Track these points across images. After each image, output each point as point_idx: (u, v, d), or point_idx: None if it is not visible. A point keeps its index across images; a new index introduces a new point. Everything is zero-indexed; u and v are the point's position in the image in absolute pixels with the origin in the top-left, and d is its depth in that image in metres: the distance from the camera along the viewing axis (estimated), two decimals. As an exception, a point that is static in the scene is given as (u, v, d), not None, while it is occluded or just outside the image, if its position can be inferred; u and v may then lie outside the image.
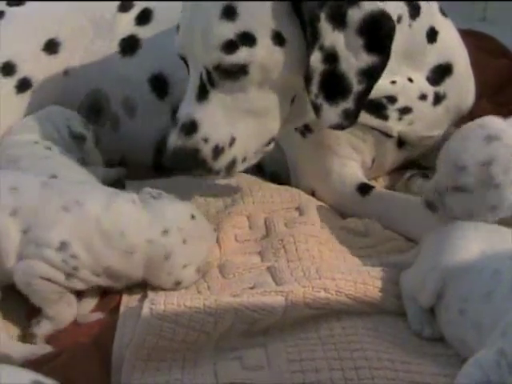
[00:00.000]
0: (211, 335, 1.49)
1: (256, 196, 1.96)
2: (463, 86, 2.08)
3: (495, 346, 1.28)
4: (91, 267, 1.61)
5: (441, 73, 2.00)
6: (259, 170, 2.10)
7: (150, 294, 1.60)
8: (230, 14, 1.69)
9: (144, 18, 2.23)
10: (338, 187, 1.97)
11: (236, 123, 1.75)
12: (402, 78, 1.92)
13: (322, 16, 1.66)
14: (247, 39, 1.69)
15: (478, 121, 1.66)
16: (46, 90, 2.18)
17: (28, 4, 2.24)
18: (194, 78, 1.77)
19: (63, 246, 1.59)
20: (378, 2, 1.69)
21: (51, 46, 2.19)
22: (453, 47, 2.04)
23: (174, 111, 2.07)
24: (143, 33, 2.21)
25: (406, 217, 1.87)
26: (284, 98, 1.78)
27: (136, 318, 1.53)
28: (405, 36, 1.83)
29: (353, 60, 1.68)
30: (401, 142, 2.05)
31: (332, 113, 1.72)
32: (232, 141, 1.75)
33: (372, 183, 2.02)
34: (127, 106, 2.22)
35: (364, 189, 1.96)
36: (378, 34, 1.68)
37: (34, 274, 1.59)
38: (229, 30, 1.68)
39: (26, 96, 2.16)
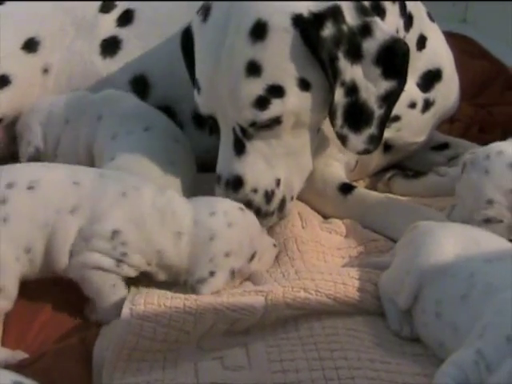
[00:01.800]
0: (192, 335, 1.50)
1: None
2: (450, 90, 2.12)
3: (473, 346, 1.29)
4: (143, 252, 1.62)
5: (430, 79, 2.04)
6: None
7: (130, 295, 1.60)
8: (254, 70, 1.71)
9: (126, 18, 2.23)
10: (320, 186, 1.98)
11: (277, 166, 1.79)
12: None
13: (340, 55, 1.70)
14: (276, 91, 1.72)
15: (493, 149, 1.67)
16: (24, 87, 2.18)
17: (8, 4, 2.24)
18: (226, 133, 1.79)
19: (115, 235, 1.60)
20: (390, 30, 1.73)
21: (30, 45, 2.19)
22: (440, 52, 2.08)
23: None
24: (125, 34, 2.21)
25: (387, 217, 1.88)
26: (314, 134, 1.83)
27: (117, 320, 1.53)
28: None
29: (372, 88, 1.73)
30: (386, 147, 2.07)
31: (357, 140, 1.77)
32: (278, 182, 1.80)
33: (354, 184, 2.03)
34: None
35: (346, 188, 1.97)
36: (393, 61, 1.73)
37: (88, 265, 1.60)
38: (257, 87, 1.71)
39: (5, 92, 2.15)
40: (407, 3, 1.92)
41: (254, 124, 1.74)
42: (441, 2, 2.10)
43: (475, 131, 2.45)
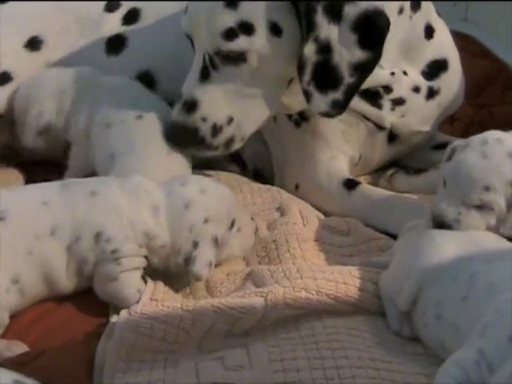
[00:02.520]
0: (191, 334, 1.49)
1: (237, 198, 1.95)
2: (456, 84, 2.12)
3: (474, 346, 1.28)
4: (131, 238, 1.62)
5: (437, 68, 2.05)
6: (242, 166, 2.14)
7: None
8: (232, 2, 1.77)
9: (131, 17, 2.24)
10: (324, 181, 1.99)
11: (234, 105, 1.84)
12: (398, 70, 1.97)
13: (319, 9, 1.73)
14: (246, 28, 1.77)
15: (491, 135, 1.64)
16: None
17: (12, 3, 2.24)
18: (198, 58, 1.86)
19: (97, 238, 1.61)
20: (375, 2, 1.74)
21: (33, 43, 2.20)
22: (448, 46, 2.10)
23: None
24: (130, 31, 2.22)
25: (392, 214, 1.89)
26: (280, 83, 1.86)
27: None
28: (405, 27, 1.91)
29: (345, 53, 1.75)
30: (391, 137, 2.08)
31: (321, 101, 1.79)
32: (230, 120, 1.85)
33: (358, 179, 2.03)
34: None
35: (350, 184, 1.97)
36: (371, 32, 1.75)
37: (106, 279, 1.62)
38: (230, 19, 1.77)
39: (6, 89, 2.15)
40: None
41: (218, 53, 1.80)
42: (442, 1, 2.11)
43: (476, 131, 2.44)
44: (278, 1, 1.76)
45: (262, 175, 2.13)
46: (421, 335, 1.49)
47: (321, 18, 1.73)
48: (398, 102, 2.01)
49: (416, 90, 2.02)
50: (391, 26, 1.79)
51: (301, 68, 1.77)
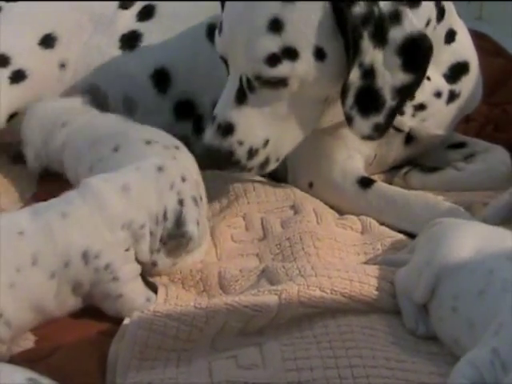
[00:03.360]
0: (204, 332, 1.49)
1: (250, 196, 1.97)
2: (475, 86, 2.12)
3: (488, 345, 1.28)
4: (118, 244, 1.61)
5: (458, 71, 2.05)
6: None
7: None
8: (276, 27, 1.73)
9: (146, 13, 2.24)
10: (339, 179, 1.99)
11: (271, 127, 1.81)
12: None
13: (365, 34, 1.71)
14: (290, 54, 1.74)
15: None
16: (41, 82, 2.19)
17: (25, 1, 2.25)
18: (233, 79, 1.81)
19: (85, 256, 1.58)
20: (418, 25, 1.74)
21: (47, 41, 2.21)
22: (468, 47, 2.09)
23: (177, 107, 2.08)
24: (145, 28, 2.22)
25: (409, 211, 1.89)
26: (318, 105, 1.84)
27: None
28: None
29: (389, 77, 1.74)
30: (408, 138, 2.08)
31: (364, 125, 1.78)
32: (266, 143, 1.82)
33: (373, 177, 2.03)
34: (127, 102, 2.22)
35: (365, 182, 1.97)
36: (415, 55, 1.74)
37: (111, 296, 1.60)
38: (273, 44, 1.73)
39: (21, 87, 2.17)
40: None
41: (259, 78, 1.76)
42: (456, 0, 2.10)
43: (490, 130, 2.43)
44: (325, 24, 1.73)
45: (277, 174, 2.13)
46: (436, 330, 1.48)
47: (366, 44, 1.71)
48: (420, 107, 2.01)
49: (438, 95, 2.02)
50: None
51: (344, 92, 1.75)
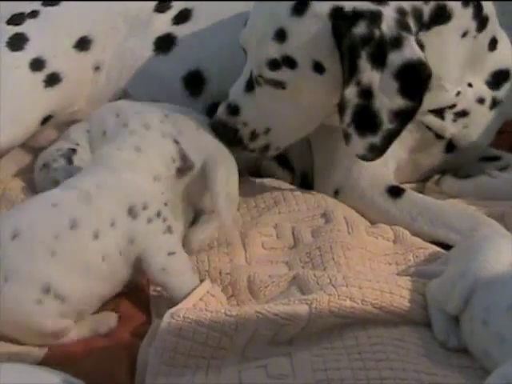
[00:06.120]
0: (234, 340, 1.48)
1: (281, 207, 1.98)
2: None
3: (520, 360, 1.27)
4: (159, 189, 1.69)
5: (500, 78, 2.06)
6: (290, 170, 2.16)
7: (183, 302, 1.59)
8: (281, 36, 1.83)
9: (182, 17, 2.24)
10: (367, 187, 1.98)
11: (272, 119, 1.92)
12: (463, 85, 1.99)
13: (363, 54, 1.74)
14: (290, 63, 1.83)
15: None
16: (75, 84, 2.21)
17: (63, 4, 2.26)
18: (246, 70, 1.94)
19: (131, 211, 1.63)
20: (419, 52, 1.76)
21: (82, 44, 2.22)
22: (509, 55, 2.10)
23: (210, 109, 2.10)
24: (180, 31, 2.23)
25: (443, 221, 1.87)
26: (319, 112, 1.92)
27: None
28: (468, 47, 1.93)
29: (386, 100, 1.77)
30: (449, 147, 2.07)
31: (359, 144, 1.82)
32: (267, 131, 1.94)
33: (403, 186, 2.02)
34: None
35: (395, 191, 1.96)
36: (413, 81, 1.76)
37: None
38: (276, 51, 1.83)
39: (55, 90, 2.18)
40: (484, 5, 1.94)
41: (261, 77, 1.88)
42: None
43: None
44: (323, 41, 1.79)
45: (307, 178, 2.13)
46: (467, 343, 1.47)
47: (364, 63, 1.75)
48: (462, 114, 2.02)
49: (480, 101, 2.04)
50: (453, 48, 1.89)
51: (342, 109, 1.80)
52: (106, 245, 1.60)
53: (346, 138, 1.82)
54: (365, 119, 1.79)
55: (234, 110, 1.94)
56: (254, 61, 1.88)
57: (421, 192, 2.04)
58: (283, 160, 2.15)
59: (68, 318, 1.57)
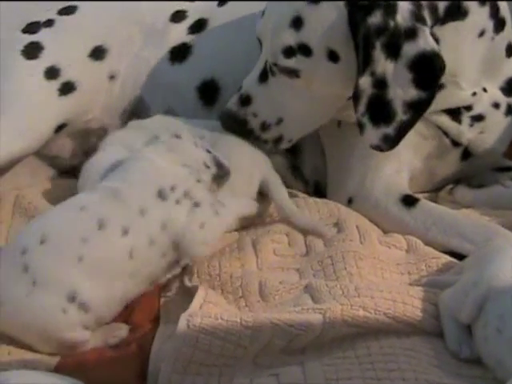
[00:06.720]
0: (248, 350, 1.48)
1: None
2: None
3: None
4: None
5: None
6: (303, 180, 2.15)
7: (188, 310, 1.58)
8: (297, 24, 1.84)
9: (198, 27, 2.25)
10: (381, 196, 1.97)
11: (285, 110, 1.94)
12: (479, 88, 1.98)
13: (378, 44, 1.75)
14: (304, 50, 1.85)
15: None
16: (90, 94, 2.21)
17: (78, 13, 2.27)
18: (261, 60, 1.95)
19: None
20: (433, 43, 1.76)
21: (98, 53, 2.23)
22: None
23: None
24: (196, 40, 2.24)
25: (458, 231, 1.87)
26: (334, 101, 1.92)
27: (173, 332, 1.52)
28: (485, 48, 1.94)
29: (400, 91, 1.77)
30: (465, 154, 2.07)
31: (373, 134, 1.82)
32: (279, 121, 1.95)
33: (417, 195, 2.01)
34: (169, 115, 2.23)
35: (409, 200, 1.95)
36: (427, 72, 1.77)
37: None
38: (291, 38, 1.85)
39: (69, 98, 2.18)
40: (501, 7, 1.95)
41: (276, 65, 1.89)
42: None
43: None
44: (339, 30, 1.80)
45: (320, 188, 2.13)
46: (480, 351, 1.46)
47: (378, 54, 1.76)
48: (478, 118, 2.02)
49: (496, 106, 2.03)
50: (469, 46, 1.89)
51: (356, 98, 1.80)
52: (136, 238, 1.61)
53: (361, 127, 1.83)
54: (379, 109, 1.80)
55: (245, 100, 1.95)
56: (270, 49, 1.89)
57: (434, 201, 2.03)
58: (297, 170, 2.14)
59: (89, 330, 1.57)
